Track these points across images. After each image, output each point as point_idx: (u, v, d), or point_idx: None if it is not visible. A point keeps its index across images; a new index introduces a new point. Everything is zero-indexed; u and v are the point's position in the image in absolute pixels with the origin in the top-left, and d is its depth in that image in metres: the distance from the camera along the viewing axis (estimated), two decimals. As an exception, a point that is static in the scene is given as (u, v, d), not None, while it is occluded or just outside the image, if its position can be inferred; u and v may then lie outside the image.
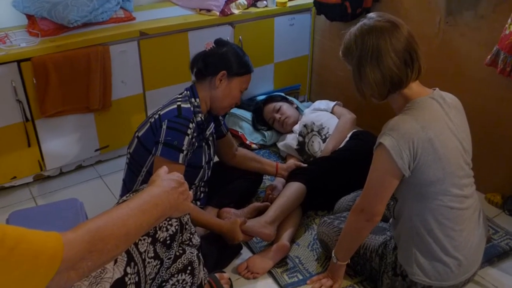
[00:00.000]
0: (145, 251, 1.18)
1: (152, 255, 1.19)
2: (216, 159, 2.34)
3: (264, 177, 2.55)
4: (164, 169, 1.24)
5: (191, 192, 1.20)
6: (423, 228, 1.63)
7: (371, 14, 1.65)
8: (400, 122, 1.57)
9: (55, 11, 2.44)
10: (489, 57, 2.20)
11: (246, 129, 3.00)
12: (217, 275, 1.77)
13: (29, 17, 2.57)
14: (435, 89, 1.67)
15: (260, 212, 2.25)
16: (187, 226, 1.29)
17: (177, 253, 1.26)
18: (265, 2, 3.06)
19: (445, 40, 2.51)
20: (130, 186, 2.09)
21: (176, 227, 1.25)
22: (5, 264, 0.77)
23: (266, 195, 2.43)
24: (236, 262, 2.07)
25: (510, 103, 2.29)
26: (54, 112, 2.45)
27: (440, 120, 1.60)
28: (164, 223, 1.23)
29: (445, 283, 1.66)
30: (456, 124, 1.63)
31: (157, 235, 1.21)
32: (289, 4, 3.13)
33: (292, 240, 2.14)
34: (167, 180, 1.16)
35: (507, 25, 2.11)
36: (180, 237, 1.27)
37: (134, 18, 2.74)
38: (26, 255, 0.80)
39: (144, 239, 1.19)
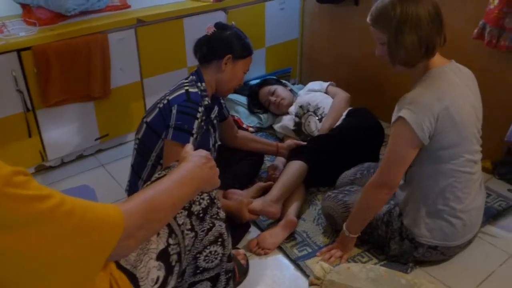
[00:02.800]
0: (183, 223, 1.24)
1: (189, 227, 1.25)
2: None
3: (264, 158, 2.62)
4: (190, 146, 1.29)
5: (217, 169, 1.27)
6: (436, 189, 1.74)
7: None
8: (417, 96, 1.66)
9: (51, 0, 2.45)
10: (475, 30, 2.34)
11: (242, 113, 3.06)
12: (233, 251, 1.84)
13: (24, 6, 2.56)
14: (451, 61, 1.77)
15: (264, 191, 2.32)
16: (215, 201, 1.35)
17: (208, 226, 1.33)
18: (256, -13, 3.11)
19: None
20: (139, 171, 2.13)
21: (208, 201, 1.32)
22: (78, 231, 0.82)
23: (269, 175, 2.50)
24: (246, 239, 2.14)
25: (496, 73, 2.42)
26: (56, 101, 2.46)
27: (455, 88, 1.70)
28: (197, 197, 1.30)
29: (450, 243, 1.79)
30: (471, 93, 1.75)
31: (192, 209, 1.27)
32: (279, -12, 3.19)
33: (298, 216, 2.22)
34: (197, 156, 1.23)
35: (491, 0, 2.23)
36: (210, 211, 1.34)
37: (129, 6, 2.77)
38: (93, 223, 0.85)
39: (181, 212, 1.25)
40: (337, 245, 1.98)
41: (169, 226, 1.20)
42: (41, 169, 2.68)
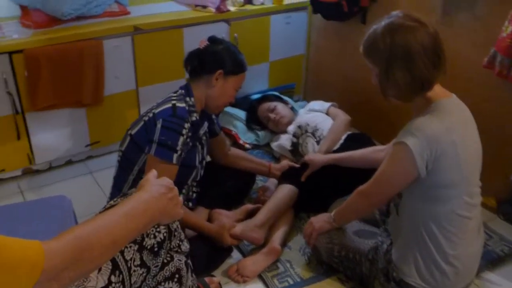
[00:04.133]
0: (131, 259, 1.14)
1: (139, 263, 1.16)
2: (208, 158, 2.31)
3: (257, 178, 2.53)
4: (153, 174, 1.19)
5: (181, 198, 1.17)
6: (427, 232, 1.62)
7: (397, 13, 1.59)
8: (426, 122, 1.54)
9: (48, 3, 2.41)
10: (486, 59, 2.21)
11: (239, 128, 2.97)
12: (206, 279, 1.74)
13: (23, 8, 2.53)
14: (453, 95, 1.65)
15: (251, 213, 2.22)
16: (176, 233, 1.26)
17: (165, 261, 1.23)
18: (261, 0, 3.03)
19: (440, 41, 2.49)
20: (120, 184, 2.05)
21: (165, 234, 1.22)
22: None
23: (258, 196, 2.41)
24: (228, 263, 2.04)
25: (505, 104, 2.29)
26: (45, 105, 2.41)
27: (464, 124, 1.60)
28: (152, 230, 1.20)
29: (438, 291, 1.66)
30: (474, 130, 1.64)
31: (144, 242, 1.18)
32: (286, 2, 3.11)
33: (284, 243, 2.12)
34: (156, 185, 1.12)
35: (504, 27, 2.11)
36: (169, 244, 1.24)
37: (128, 13, 2.71)
38: (7, 263, 0.77)
39: (130, 247, 1.16)
40: (313, 224, 1.93)
41: (113, 261, 1.10)
42: (28, 172, 2.62)
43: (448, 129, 1.53)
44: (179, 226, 1.26)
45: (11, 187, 2.53)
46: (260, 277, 1.96)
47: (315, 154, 2.32)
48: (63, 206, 1.91)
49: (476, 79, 2.36)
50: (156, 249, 1.19)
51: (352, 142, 2.44)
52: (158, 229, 1.20)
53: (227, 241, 2.00)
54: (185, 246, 1.29)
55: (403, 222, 1.70)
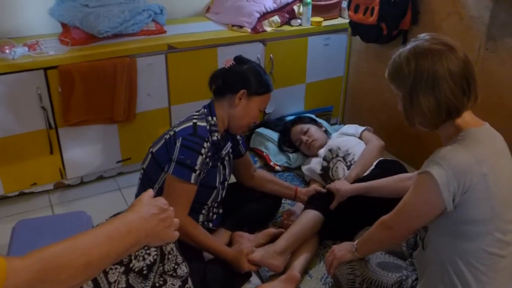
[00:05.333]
0: (115, 282, 1.10)
1: (124, 286, 1.11)
2: (233, 179, 2.26)
3: (284, 201, 2.45)
4: (148, 194, 1.13)
5: (177, 220, 1.11)
6: (454, 269, 1.49)
7: (424, 35, 1.50)
8: (453, 152, 1.43)
9: (86, 21, 2.46)
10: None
11: (271, 150, 2.91)
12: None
13: (63, 25, 2.60)
14: (485, 123, 1.53)
15: (274, 238, 2.15)
16: (170, 256, 1.20)
17: (157, 284, 1.17)
18: (299, 21, 2.98)
19: (484, 68, 2.35)
20: (141, 201, 2.03)
21: (155, 256, 1.17)
22: None
23: (281, 220, 2.33)
24: (245, 288, 1.98)
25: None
26: (77, 121, 2.45)
27: (496, 155, 1.47)
28: (141, 252, 1.16)
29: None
30: (509, 162, 1.51)
31: (131, 265, 1.13)
32: (324, 23, 3.04)
33: (305, 271, 2.03)
34: (148, 205, 1.07)
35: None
36: (161, 267, 1.18)
37: (165, 31, 2.73)
38: None
39: (116, 268, 1.11)
40: (334, 253, 1.84)
41: (95, 282, 1.06)
42: (60, 186, 2.66)
43: (478, 161, 1.40)
44: (174, 248, 1.20)
45: (42, 200, 2.57)
46: (277, 305, 1.88)
47: (341, 181, 2.21)
48: (81, 221, 1.92)
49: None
50: (145, 272, 1.14)
51: (382, 169, 2.31)
52: (148, 251, 1.15)
53: (244, 267, 1.93)
54: (182, 270, 1.23)
55: (429, 258, 1.58)
